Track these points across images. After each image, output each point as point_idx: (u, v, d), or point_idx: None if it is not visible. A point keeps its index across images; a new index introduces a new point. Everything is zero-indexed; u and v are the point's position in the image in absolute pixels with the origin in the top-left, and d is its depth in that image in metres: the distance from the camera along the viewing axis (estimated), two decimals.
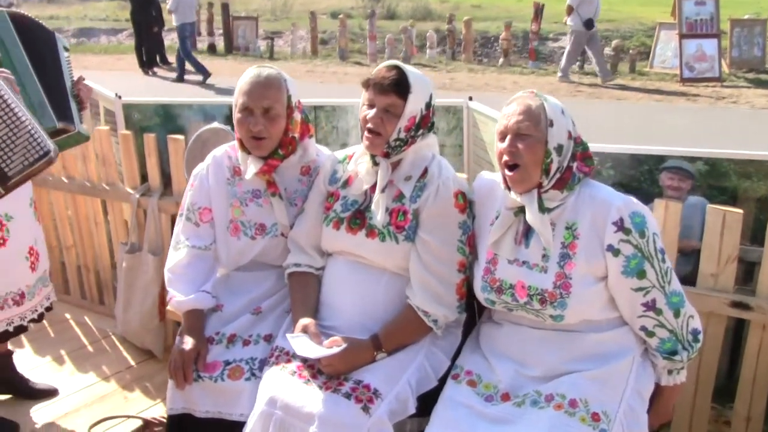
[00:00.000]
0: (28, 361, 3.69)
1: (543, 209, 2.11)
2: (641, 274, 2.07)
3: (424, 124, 2.32)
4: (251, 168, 2.51)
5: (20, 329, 2.99)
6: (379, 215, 2.31)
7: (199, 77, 14.15)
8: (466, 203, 2.32)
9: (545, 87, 12.93)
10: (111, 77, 14.86)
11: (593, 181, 2.20)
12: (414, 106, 2.28)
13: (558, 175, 2.11)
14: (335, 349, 2.21)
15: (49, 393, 3.35)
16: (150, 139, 3.65)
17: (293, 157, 2.59)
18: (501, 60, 16.38)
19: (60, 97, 2.83)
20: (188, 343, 2.42)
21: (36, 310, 3.04)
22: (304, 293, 2.47)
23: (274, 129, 2.47)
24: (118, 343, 3.89)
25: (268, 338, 2.47)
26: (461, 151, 3.55)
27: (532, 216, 2.11)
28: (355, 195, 2.42)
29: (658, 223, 2.22)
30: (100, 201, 4.01)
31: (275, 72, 2.51)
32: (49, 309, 3.14)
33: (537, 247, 2.14)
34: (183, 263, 2.59)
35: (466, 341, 2.39)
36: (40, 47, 2.82)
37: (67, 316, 4.20)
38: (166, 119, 3.94)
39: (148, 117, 3.92)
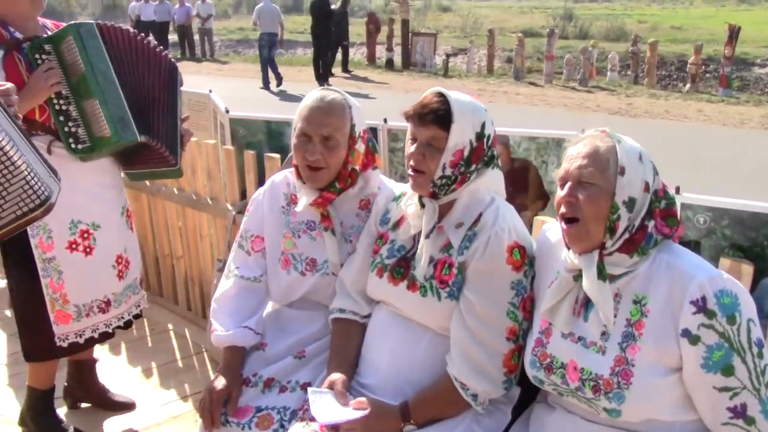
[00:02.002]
0: (119, 369, 3.72)
1: (603, 276, 1.72)
2: (728, 371, 1.62)
3: (476, 158, 2.00)
4: (304, 199, 2.30)
5: (105, 336, 3.01)
6: (420, 265, 2.01)
7: (367, 93, 14.35)
8: (523, 260, 1.96)
9: (734, 118, 11.82)
10: (285, 88, 15.46)
11: (678, 246, 1.77)
12: (459, 138, 1.96)
13: (627, 236, 1.72)
14: (357, 413, 1.94)
15: (126, 406, 3.33)
16: (249, 156, 3.56)
17: (352, 189, 2.35)
18: (688, 86, 15.24)
19: (172, 132, 2.84)
20: (220, 383, 2.24)
21: (122, 318, 3.06)
22: (344, 343, 2.22)
23: (332, 159, 2.24)
24: (207, 362, 3.82)
25: (306, 386, 2.23)
26: None
27: (588, 283, 1.73)
28: (402, 240, 2.14)
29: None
30: (205, 215, 3.98)
31: (340, 97, 2.28)
32: (137, 316, 3.15)
33: (597, 322, 1.76)
34: (229, 294, 2.42)
35: (516, 422, 2.03)
36: (138, 69, 2.79)
37: (170, 326, 4.21)
38: (271, 136, 3.84)
39: (253, 133, 3.83)
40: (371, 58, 19.80)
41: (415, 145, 2.01)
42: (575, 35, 21.78)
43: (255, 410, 2.19)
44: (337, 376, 2.08)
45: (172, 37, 22.64)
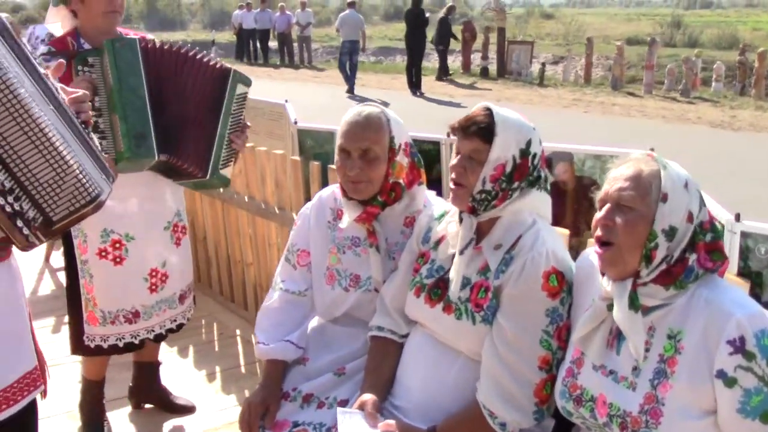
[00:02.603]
0: (185, 372, 3.82)
1: (636, 306, 1.63)
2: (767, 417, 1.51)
3: (519, 175, 1.94)
4: (349, 214, 2.29)
5: (131, 346, 3.05)
6: (453, 285, 1.97)
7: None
8: (561, 286, 1.88)
9: None
10: (378, 95, 15.55)
11: (722, 281, 1.66)
12: (501, 152, 1.91)
13: (664, 266, 1.62)
14: None
15: (187, 409, 3.40)
16: (314, 167, 3.59)
17: (398, 205, 2.32)
18: None
19: (199, 144, 2.82)
20: (259, 396, 2.26)
21: (152, 331, 3.08)
22: (379, 362, 2.19)
23: (372, 173, 2.22)
24: None
25: (343, 404, 2.22)
26: None
27: (619, 313, 1.64)
28: (441, 260, 2.10)
29: None
30: (273, 223, 4.03)
31: (377, 111, 2.26)
32: (172, 330, 3.17)
33: (629, 355, 1.67)
34: (274, 307, 2.44)
35: None
36: (180, 83, 2.80)
37: (238, 332, 4.28)
38: None
39: (320, 144, 3.85)
40: (466, 66, 19.71)
41: (457, 157, 1.98)
42: (684, 43, 21.06)
43: (292, 425, 2.19)
44: (368, 397, 2.06)
45: (273, 44, 23.20)
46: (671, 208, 1.62)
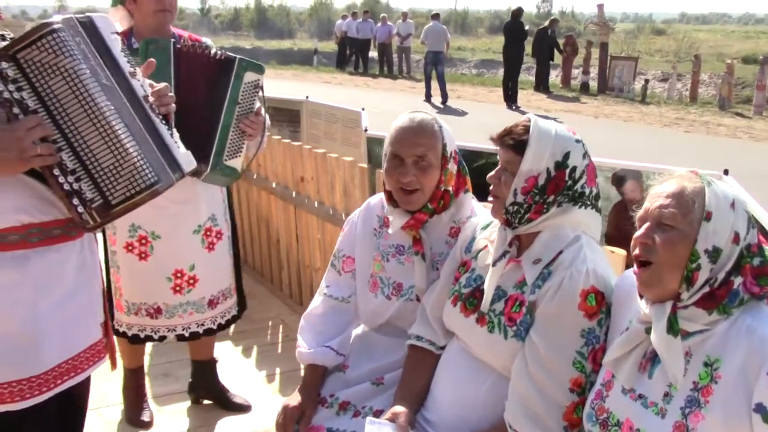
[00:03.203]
0: (246, 371, 3.86)
1: (675, 330, 1.53)
2: None
3: (554, 189, 1.87)
4: (396, 221, 2.26)
5: (149, 339, 3.11)
6: (485, 296, 1.91)
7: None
8: (599, 307, 1.79)
9: None
10: (472, 107, 15.47)
11: (767, 307, 1.54)
12: (534, 164, 1.86)
13: (707, 289, 1.52)
14: None
15: (242, 408, 3.43)
16: (380, 174, 3.56)
17: (445, 214, 2.28)
18: None
19: (202, 137, 2.77)
20: (295, 400, 2.26)
21: (173, 330, 3.11)
22: (415, 373, 2.15)
23: (426, 180, 2.19)
24: None
25: (378, 414, 2.18)
26: None
27: (657, 336, 1.55)
28: (480, 269, 2.04)
29: None
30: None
31: (429, 118, 2.23)
32: (196, 335, 3.16)
33: (662, 381, 1.57)
34: (317, 312, 2.44)
35: None
36: (198, 84, 2.78)
37: None
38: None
39: None
40: (565, 81, 19.34)
41: (496, 169, 1.93)
42: None
43: (327, 431, 2.17)
44: (400, 409, 2.01)
45: (373, 54, 23.44)
46: (715, 228, 1.52)
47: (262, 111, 2.95)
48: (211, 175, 2.84)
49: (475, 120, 12.97)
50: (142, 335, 3.09)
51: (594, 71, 18.89)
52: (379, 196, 2.46)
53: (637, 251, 1.59)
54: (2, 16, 2.17)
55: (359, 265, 2.41)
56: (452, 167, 2.24)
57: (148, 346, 4.02)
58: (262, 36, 44.19)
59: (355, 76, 22.18)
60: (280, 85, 18.90)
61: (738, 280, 1.52)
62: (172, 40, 2.83)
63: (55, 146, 1.74)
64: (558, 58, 19.08)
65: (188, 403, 3.48)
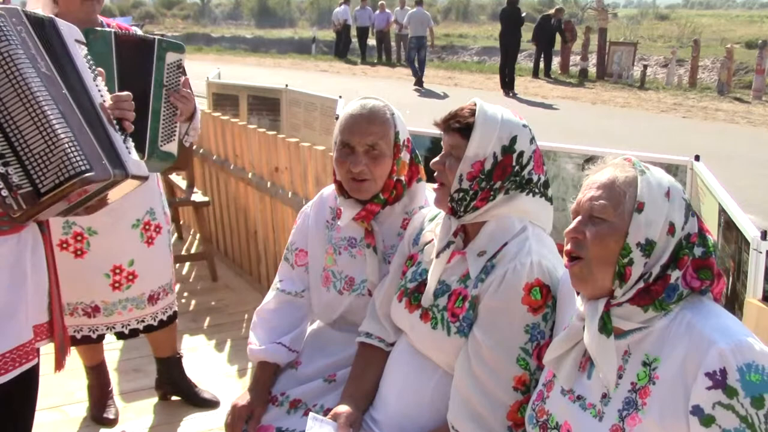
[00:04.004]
0: (217, 366, 3.79)
1: (607, 330, 1.45)
2: None
3: (500, 174, 1.78)
4: (347, 213, 2.17)
5: (88, 339, 3.00)
6: (426, 290, 1.83)
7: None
8: (545, 300, 1.70)
9: None
10: (468, 94, 15.35)
11: (712, 304, 1.45)
12: (479, 149, 1.76)
13: (641, 284, 1.43)
14: None
15: (210, 404, 3.36)
16: None
17: (397, 205, 2.19)
18: None
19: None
20: (245, 398, 2.18)
21: (112, 327, 3.01)
22: (364, 372, 2.06)
23: (378, 170, 2.10)
24: None
25: (329, 412, 2.11)
26: None
27: (589, 336, 1.46)
28: (426, 263, 1.95)
29: None
30: None
31: (381, 104, 2.14)
32: (137, 331, 3.08)
33: (600, 381, 1.48)
34: (269, 307, 2.35)
35: None
36: (132, 70, 2.68)
37: None
38: (436, 151, 3.71)
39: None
40: (564, 67, 19.17)
41: (440, 155, 1.84)
42: None
43: (276, 430, 2.10)
44: (343, 409, 1.93)
45: (371, 42, 23.28)
46: (648, 219, 1.43)
47: (189, 85, 2.84)
48: (148, 162, 2.70)
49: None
50: (78, 336, 2.96)
51: (593, 57, 18.72)
52: (332, 187, 2.37)
53: (568, 246, 1.51)
54: None
55: (312, 258, 2.32)
56: (405, 156, 2.15)
57: (119, 342, 3.96)
58: (263, 25, 44.05)
59: (351, 64, 22.03)
60: (276, 74, 18.84)
61: (675, 274, 1.43)
62: (113, 30, 2.70)
63: None
64: (557, 44, 18.92)
65: (156, 399, 3.41)
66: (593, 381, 1.50)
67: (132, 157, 1.99)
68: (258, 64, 22.60)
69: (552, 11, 18.51)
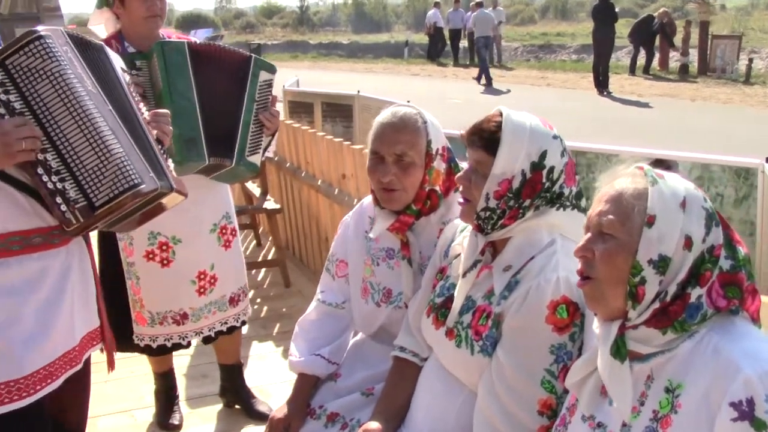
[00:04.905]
0: (284, 375, 3.72)
1: (621, 355, 1.34)
2: None
3: (529, 192, 1.69)
4: (381, 224, 2.13)
5: (179, 346, 3.07)
6: (454, 308, 1.76)
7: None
8: (572, 319, 1.61)
9: None
10: (559, 94, 15.02)
11: (744, 325, 1.33)
12: (507, 166, 1.68)
13: (657, 305, 1.32)
14: None
15: (262, 417, 3.32)
16: None
17: (433, 215, 2.13)
18: None
19: (225, 133, 2.77)
20: (282, 411, 2.18)
21: (200, 333, 3.07)
22: (397, 387, 2.01)
23: (407, 180, 2.05)
24: None
25: None
26: (753, 229, 2.56)
27: (601, 361, 1.36)
28: (454, 277, 1.88)
29: None
30: None
31: (413, 112, 2.08)
32: (221, 333, 3.13)
33: None
34: (310, 318, 2.34)
35: None
36: (217, 82, 2.77)
37: None
38: None
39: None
40: (663, 63, 18.44)
41: (464, 169, 1.77)
42: None
43: None
44: (374, 426, 1.89)
45: (463, 44, 23.10)
46: (660, 234, 1.31)
47: (277, 106, 2.96)
48: (232, 170, 2.82)
49: (569, 107, 12.59)
50: (169, 344, 3.05)
51: (694, 53, 17.93)
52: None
53: (578, 266, 1.41)
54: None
55: (352, 269, 2.29)
56: (439, 165, 2.09)
57: (189, 347, 4.04)
58: (359, 30, 44.47)
59: (444, 67, 21.93)
60: (366, 79, 18.98)
61: (697, 292, 1.30)
62: (184, 41, 2.81)
63: (40, 147, 1.76)
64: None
65: (220, 406, 3.45)
66: (615, 408, 1.39)
67: (173, 173, 2.05)
68: (351, 70, 22.83)
69: (657, 13, 17.89)
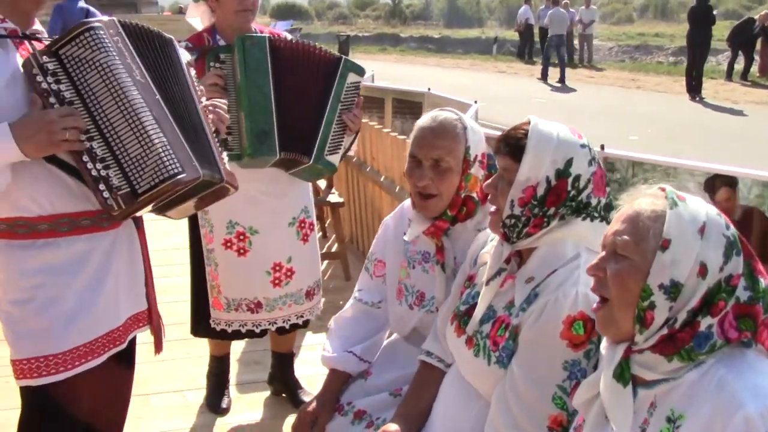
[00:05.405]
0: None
1: (624, 379, 1.31)
2: None
3: (554, 200, 1.67)
4: (416, 227, 2.14)
5: (252, 333, 3.14)
6: (475, 316, 1.75)
7: None
8: (588, 336, 1.58)
9: None
10: (646, 98, 14.58)
11: (754, 358, 1.27)
12: (532, 172, 1.66)
13: (665, 331, 1.28)
14: None
15: None
16: None
17: (470, 222, 2.13)
18: None
19: (304, 131, 2.81)
20: (311, 405, 2.22)
21: (274, 323, 3.13)
22: (421, 391, 2.02)
23: (443, 185, 2.05)
24: None
25: None
26: None
27: (604, 383, 1.33)
28: (480, 285, 1.87)
29: None
30: None
31: (454, 117, 2.08)
32: (296, 326, 3.20)
33: None
34: (346, 315, 2.37)
35: None
36: (298, 80, 2.81)
37: None
38: None
39: None
40: (763, 69, 17.63)
41: (492, 177, 1.76)
42: None
43: None
44: (392, 428, 1.90)
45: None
46: (674, 258, 1.27)
47: (361, 106, 2.98)
48: (309, 167, 2.88)
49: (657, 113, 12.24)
50: (243, 330, 3.12)
51: None
52: None
53: (591, 284, 1.39)
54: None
55: (389, 269, 2.31)
56: (477, 172, 2.08)
57: None
58: (451, 25, 44.31)
59: (532, 65, 21.61)
60: (452, 75, 18.91)
61: (707, 321, 1.26)
62: (267, 35, 2.87)
63: (87, 135, 1.84)
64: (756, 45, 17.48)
65: (267, 393, 3.52)
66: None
67: (226, 165, 2.11)
68: (437, 65, 22.78)
69: (758, 15, 17.14)
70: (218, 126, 2.20)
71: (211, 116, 2.17)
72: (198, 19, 3.08)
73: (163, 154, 1.85)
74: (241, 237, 3.00)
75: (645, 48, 25.08)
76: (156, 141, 1.85)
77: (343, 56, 2.88)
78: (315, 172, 2.97)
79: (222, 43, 2.90)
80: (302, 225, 3.10)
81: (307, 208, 3.13)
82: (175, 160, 1.87)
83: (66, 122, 1.80)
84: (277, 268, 3.04)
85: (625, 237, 1.32)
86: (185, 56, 2.16)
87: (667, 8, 47.64)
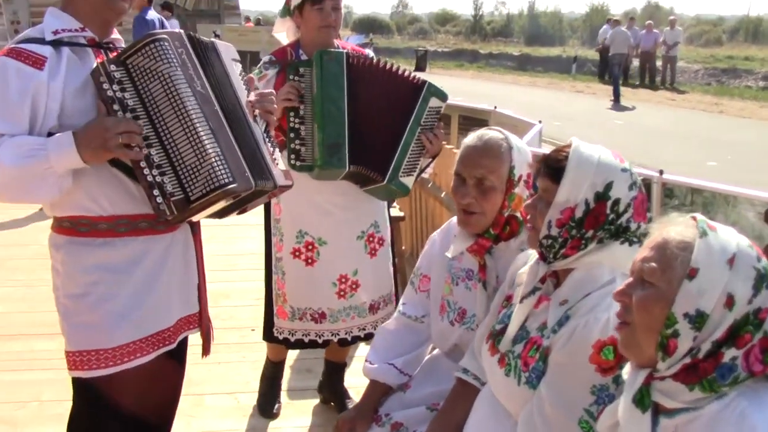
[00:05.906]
0: None
1: (644, 404, 1.30)
2: None
3: (592, 223, 1.67)
4: (458, 245, 2.16)
5: (314, 343, 3.17)
6: (507, 334, 1.76)
7: None
8: (617, 362, 1.56)
9: None
10: (727, 124, 14.16)
11: None
12: (570, 194, 1.67)
13: (688, 360, 1.27)
14: None
15: None
16: None
17: (513, 241, 2.14)
18: None
19: (380, 149, 2.83)
20: (350, 413, 2.26)
21: (337, 334, 3.14)
22: (454, 407, 2.04)
23: (486, 204, 2.07)
24: None
25: None
26: None
27: (622, 407, 1.33)
28: (515, 305, 1.88)
29: None
30: None
31: (499, 137, 2.10)
32: (357, 338, 3.21)
33: None
34: (389, 328, 2.41)
35: None
36: (375, 98, 2.84)
37: None
38: None
39: None
40: None
41: (533, 197, 1.78)
42: None
43: None
44: None
45: (636, 63, 22.28)
46: (700, 288, 1.26)
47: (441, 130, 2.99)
48: (383, 187, 2.90)
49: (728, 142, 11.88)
50: (306, 339, 3.16)
51: None
52: None
53: (617, 309, 1.38)
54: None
55: (434, 285, 2.34)
56: (521, 191, 2.09)
57: None
58: (532, 42, 43.93)
59: (608, 85, 21.29)
60: (527, 93, 18.77)
61: (731, 353, 1.24)
62: (345, 51, 2.91)
63: (146, 142, 1.92)
64: None
65: (317, 401, 3.57)
66: None
67: (279, 168, 2.17)
68: (513, 82, 22.64)
69: None
70: (267, 119, 2.24)
71: (257, 111, 2.21)
72: (284, 34, 3.17)
73: (215, 164, 1.91)
74: (310, 247, 3.04)
75: (733, 71, 24.34)
76: (210, 150, 1.92)
77: (427, 81, 2.89)
78: (388, 192, 2.97)
79: (304, 57, 2.97)
80: (371, 239, 3.12)
81: (377, 223, 3.14)
82: (227, 171, 1.93)
83: (119, 127, 1.88)
84: (343, 279, 3.07)
85: (653, 264, 1.31)
86: (229, 53, 2.21)
87: (759, 31, 46.14)
